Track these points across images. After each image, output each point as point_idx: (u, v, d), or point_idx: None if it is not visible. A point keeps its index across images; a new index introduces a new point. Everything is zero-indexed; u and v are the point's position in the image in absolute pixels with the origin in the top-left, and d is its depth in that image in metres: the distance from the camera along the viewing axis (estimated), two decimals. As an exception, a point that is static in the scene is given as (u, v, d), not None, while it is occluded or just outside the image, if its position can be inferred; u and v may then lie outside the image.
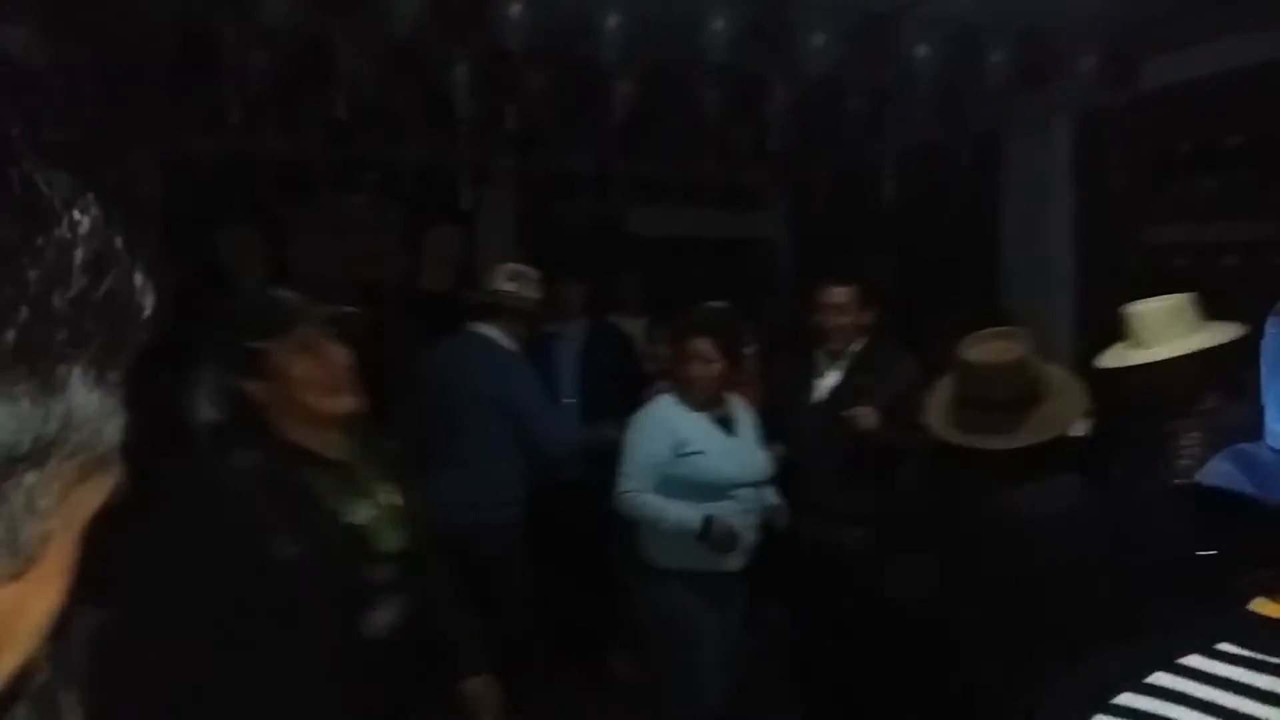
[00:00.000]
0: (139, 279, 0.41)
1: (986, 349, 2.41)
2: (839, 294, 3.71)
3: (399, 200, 6.30)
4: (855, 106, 4.64)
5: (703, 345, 3.29)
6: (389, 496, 1.89)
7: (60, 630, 0.43)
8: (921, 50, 3.91)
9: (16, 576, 0.38)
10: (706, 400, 3.33)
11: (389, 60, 4.06)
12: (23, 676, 0.42)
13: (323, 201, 6.25)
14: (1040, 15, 3.92)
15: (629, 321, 5.26)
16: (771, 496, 3.44)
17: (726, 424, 3.36)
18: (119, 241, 0.40)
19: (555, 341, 4.65)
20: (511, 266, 3.90)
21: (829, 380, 3.75)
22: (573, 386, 4.61)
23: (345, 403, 1.83)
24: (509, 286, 3.82)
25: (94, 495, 0.42)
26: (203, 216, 5.98)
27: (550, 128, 4.92)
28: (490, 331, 3.77)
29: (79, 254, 0.38)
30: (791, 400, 3.78)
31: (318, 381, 1.80)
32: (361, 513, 1.83)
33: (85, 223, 0.38)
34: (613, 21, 3.70)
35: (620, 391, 4.11)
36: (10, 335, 0.35)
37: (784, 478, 3.51)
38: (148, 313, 0.41)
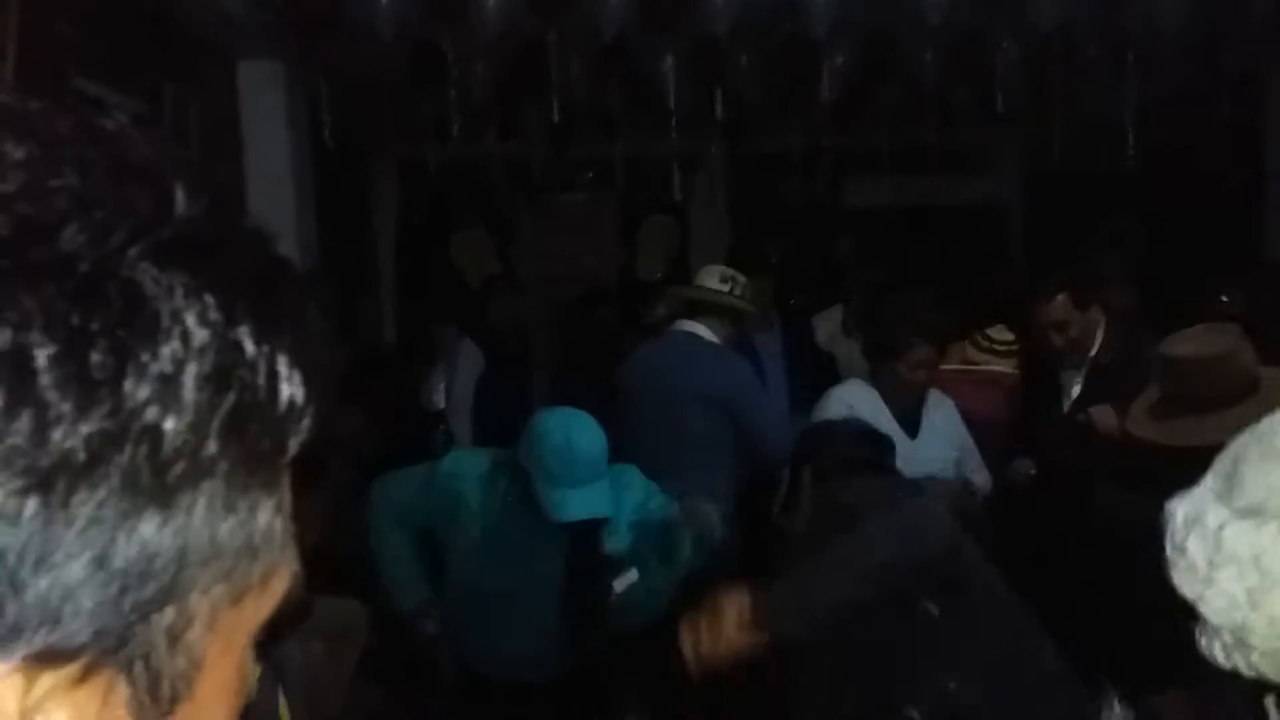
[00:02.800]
0: (283, 376, 0.35)
1: (1191, 342, 2.31)
2: (1056, 309, 3.30)
3: (614, 194, 6.43)
4: (1090, 56, 4.27)
5: (925, 353, 3.15)
6: None
7: None
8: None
9: (165, 716, 0.35)
10: (906, 401, 3.20)
11: (600, 59, 4.14)
12: None
13: (543, 201, 6.48)
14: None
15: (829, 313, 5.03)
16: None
17: (913, 424, 3.21)
18: (250, 343, 0.34)
19: (754, 342, 4.49)
20: (720, 269, 3.81)
21: (1074, 390, 3.39)
22: (775, 387, 4.46)
23: None
24: (722, 287, 3.73)
25: (255, 611, 0.38)
26: (436, 222, 6.35)
27: (762, 109, 4.86)
28: (699, 328, 3.69)
29: (192, 369, 0.33)
30: (1039, 412, 3.49)
31: None
32: None
33: (201, 333, 0.33)
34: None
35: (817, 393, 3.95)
36: (116, 476, 0.31)
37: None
38: (298, 409, 0.36)
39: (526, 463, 2.50)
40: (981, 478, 3.31)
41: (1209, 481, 0.97)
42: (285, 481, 0.38)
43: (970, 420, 3.40)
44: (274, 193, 4.05)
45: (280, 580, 0.39)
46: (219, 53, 3.93)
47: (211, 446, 0.33)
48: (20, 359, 0.30)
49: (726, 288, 3.68)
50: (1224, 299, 3.67)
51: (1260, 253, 4.47)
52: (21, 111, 0.35)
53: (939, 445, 3.24)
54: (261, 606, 0.38)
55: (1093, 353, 3.34)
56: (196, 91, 3.56)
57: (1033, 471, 3.32)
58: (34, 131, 0.33)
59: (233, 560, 0.35)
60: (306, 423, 0.37)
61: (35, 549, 0.30)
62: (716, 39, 3.85)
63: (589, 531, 2.55)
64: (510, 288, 5.08)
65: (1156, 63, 4.18)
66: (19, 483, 0.30)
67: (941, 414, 3.30)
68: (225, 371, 0.33)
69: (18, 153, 0.32)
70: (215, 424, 0.33)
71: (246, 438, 0.34)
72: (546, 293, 6.06)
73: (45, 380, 0.30)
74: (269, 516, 0.36)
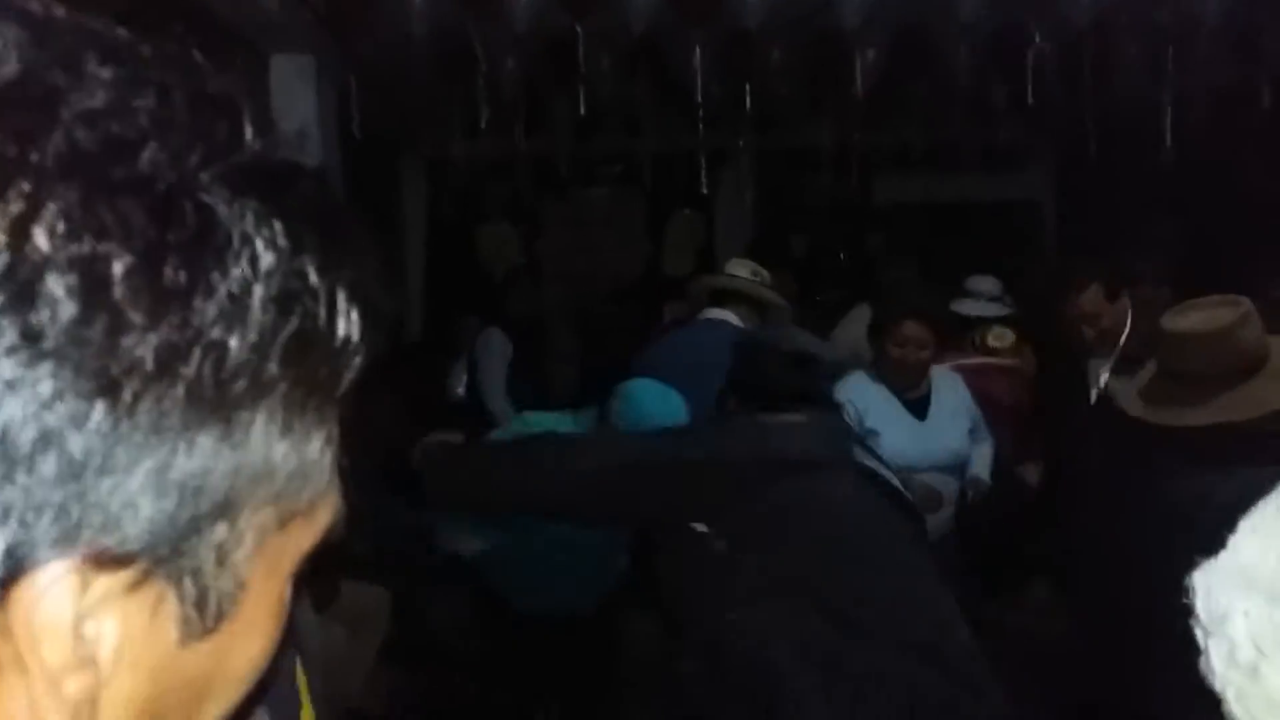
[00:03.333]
0: (341, 311, 0.37)
1: (1189, 317, 2.15)
2: (1088, 300, 3.33)
3: (640, 189, 6.40)
4: (1127, 49, 4.21)
5: (914, 330, 3.14)
6: None
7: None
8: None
9: (209, 633, 0.36)
10: (907, 385, 3.20)
11: (628, 53, 4.12)
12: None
13: (569, 196, 6.47)
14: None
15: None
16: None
17: (921, 407, 3.22)
18: (313, 273, 0.36)
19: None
20: (747, 262, 3.84)
21: (1102, 381, 3.41)
22: None
23: None
24: (750, 277, 3.75)
25: (301, 540, 0.39)
26: (463, 216, 6.35)
27: (791, 104, 4.82)
28: (727, 315, 3.69)
29: (259, 291, 0.34)
30: (1064, 403, 3.47)
31: None
32: None
33: (268, 257, 0.34)
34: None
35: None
36: (180, 387, 0.32)
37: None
38: (353, 345, 0.37)
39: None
40: (989, 446, 3.35)
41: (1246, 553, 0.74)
42: (336, 416, 0.39)
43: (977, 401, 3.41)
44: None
45: (326, 511, 0.40)
46: (252, 46, 3.95)
47: (272, 368, 0.34)
48: (97, 268, 0.31)
49: (755, 280, 3.71)
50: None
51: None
52: (110, 36, 0.36)
53: (950, 423, 3.25)
54: (306, 535, 0.39)
55: (1121, 344, 3.35)
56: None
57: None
58: (120, 54, 0.34)
59: (284, 483, 0.36)
60: (359, 360, 0.38)
61: (100, 453, 0.31)
62: (747, 33, 3.83)
63: None
64: (531, 279, 5.11)
65: (1194, 58, 4.11)
66: (89, 386, 0.31)
67: (948, 390, 3.31)
68: (289, 297, 0.35)
69: (105, 73, 0.33)
70: (277, 346, 0.34)
71: (305, 364, 0.35)
72: (573, 287, 6.06)
73: (120, 290, 0.31)
74: (320, 445, 0.37)
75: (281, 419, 0.35)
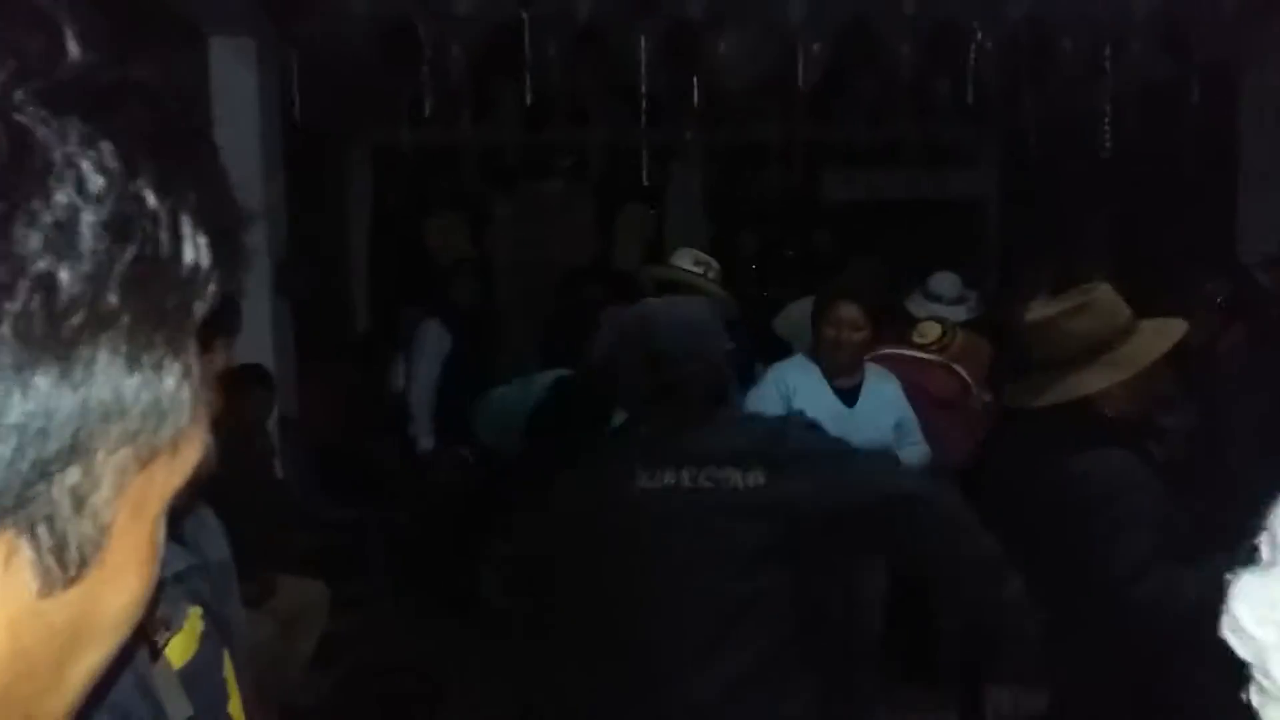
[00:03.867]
0: (186, 236, 0.34)
1: (1035, 308, 2.25)
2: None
3: (590, 182, 6.40)
4: (1066, 46, 4.28)
5: (848, 311, 3.18)
6: None
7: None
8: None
9: (73, 581, 0.34)
10: (839, 368, 3.23)
11: (575, 43, 4.11)
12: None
13: (518, 187, 6.44)
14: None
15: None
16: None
17: (851, 395, 3.26)
18: (151, 196, 0.33)
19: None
20: (694, 252, 3.83)
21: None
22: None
23: None
24: (696, 269, 3.74)
25: (166, 479, 0.37)
26: (409, 206, 6.29)
27: (737, 96, 4.84)
28: None
29: (88, 217, 0.31)
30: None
31: None
32: None
33: (97, 180, 0.31)
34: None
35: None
36: (7, 324, 0.30)
37: None
38: (203, 273, 0.35)
39: None
40: (918, 451, 3.34)
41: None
42: (193, 349, 0.36)
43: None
44: (243, 172, 4.01)
45: (192, 449, 0.38)
46: (192, 27, 3.88)
47: (111, 299, 0.32)
48: None
49: (700, 270, 3.69)
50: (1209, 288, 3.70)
51: (1233, 245, 4.50)
52: None
53: (877, 414, 3.26)
54: (173, 474, 0.37)
55: None
56: (163, 67, 3.51)
57: None
58: None
59: (139, 421, 0.34)
60: (212, 289, 0.36)
61: None
62: (692, 24, 3.84)
63: None
64: (475, 269, 5.06)
65: (1130, 54, 4.20)
66: None
67: (881, 387, 3.34)
68: (125, 222, 0.32)
69: None
70: (114, 276, 0.32)
71: (150, 293, 0.33)
72: (520, 278, 6.03)
73: None
74: (176, 380, 0.35)
75: (127, 353, 0.33)
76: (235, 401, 3.75)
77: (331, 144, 5.83)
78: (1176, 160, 4.86)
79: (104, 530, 0.35)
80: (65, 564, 0.34)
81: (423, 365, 4.46)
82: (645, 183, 5.98)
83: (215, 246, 0.35)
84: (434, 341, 4.49)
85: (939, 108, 5.26)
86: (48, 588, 0.34)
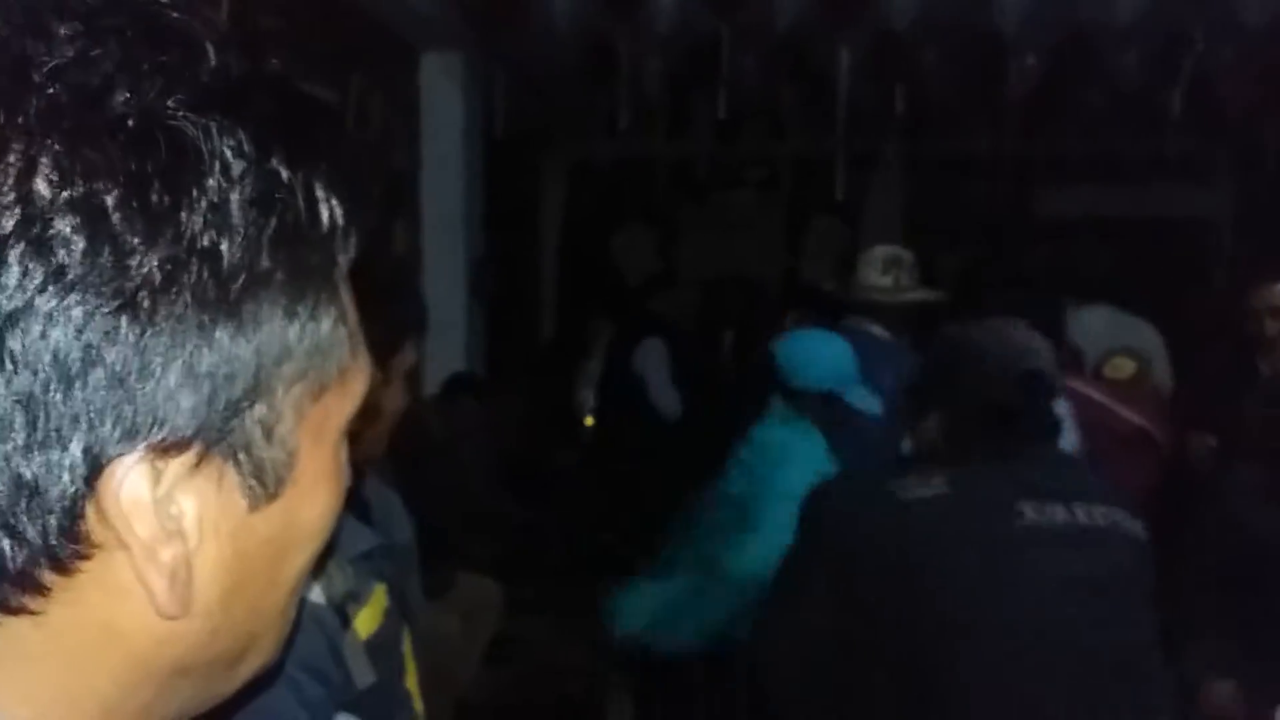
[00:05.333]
0: (320, 200, 0.40)
1: None
2: (1276, 294, 3.10)
3: (782, 194, 6.31)
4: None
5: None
6: None
7: None
8: None
9: (273, 498, 0.41)
10: None
11: (774, 54, 4.04)
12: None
13: (708, 199, 6.43)
14: None
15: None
16: None
17: None
18: (285, 170, 0.39)
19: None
20: (884, 251, 3.58)
21: None
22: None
23: None
24: (884, 281, 3.52)
25: (340, 407, 0.44)
26: (600, 217, 6.39)
27: (944, 109, 4.64)
28: (868, 326, 3.48)
29: (235, 197, 0.37)
30: (1236, 397, 3.21)
31: None
32: None
33: (238, 164, 0.38)
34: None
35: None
36: (187, 293, 0.36)
37: None
38: (340, 230, 0.41)
39: None
40: None
41: None
42: (345, 295, 0.43)
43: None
44: (446, 182, 4.17)
45: (357, 381, 0.45)
46: (404, 44, 4.07)
47: (264, 262, 0.38)
48: (93, 203, 0.35)
49: (889, 278, 3.48)
50: None
51: None
52: None
53: None
54: (344, 402, 0.45)
55: None
56: (380, 81, 3.70)
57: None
58: (75, 10, 0.38)
59: (305, 361, 0.41)
60: (352, 241, 0.42)
61: (136, 360, 0.36)
62: (897, 34, 3.70)
63: None
64: (671, 283, 5.05)
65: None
66: (112, 304, 0.36)
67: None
68: (266, 196, 0.38)
69: (63, 30, 0.37)
70: (264, 242, 0.38)
71: (295, 253, 0.39)
72: (707, 290, 6.00)
73: (115, 218, 0.35)
74: (331, 323, 0.42)
75: (285, 306, 0.39)
76: (443, 408, 3.91)
77: (530, 156, 6.00)
78: None
79: (292, 454, 0.42)
80: (265, 483, 0.41)
81: (658, 381, 4.43)
82: (839, 196, 5.84)
83: (346, 205, 0.41)
84: (658, 357, 4.44)
85: (1166, 121, 4.87)
86: (254, 504, 0.41)
